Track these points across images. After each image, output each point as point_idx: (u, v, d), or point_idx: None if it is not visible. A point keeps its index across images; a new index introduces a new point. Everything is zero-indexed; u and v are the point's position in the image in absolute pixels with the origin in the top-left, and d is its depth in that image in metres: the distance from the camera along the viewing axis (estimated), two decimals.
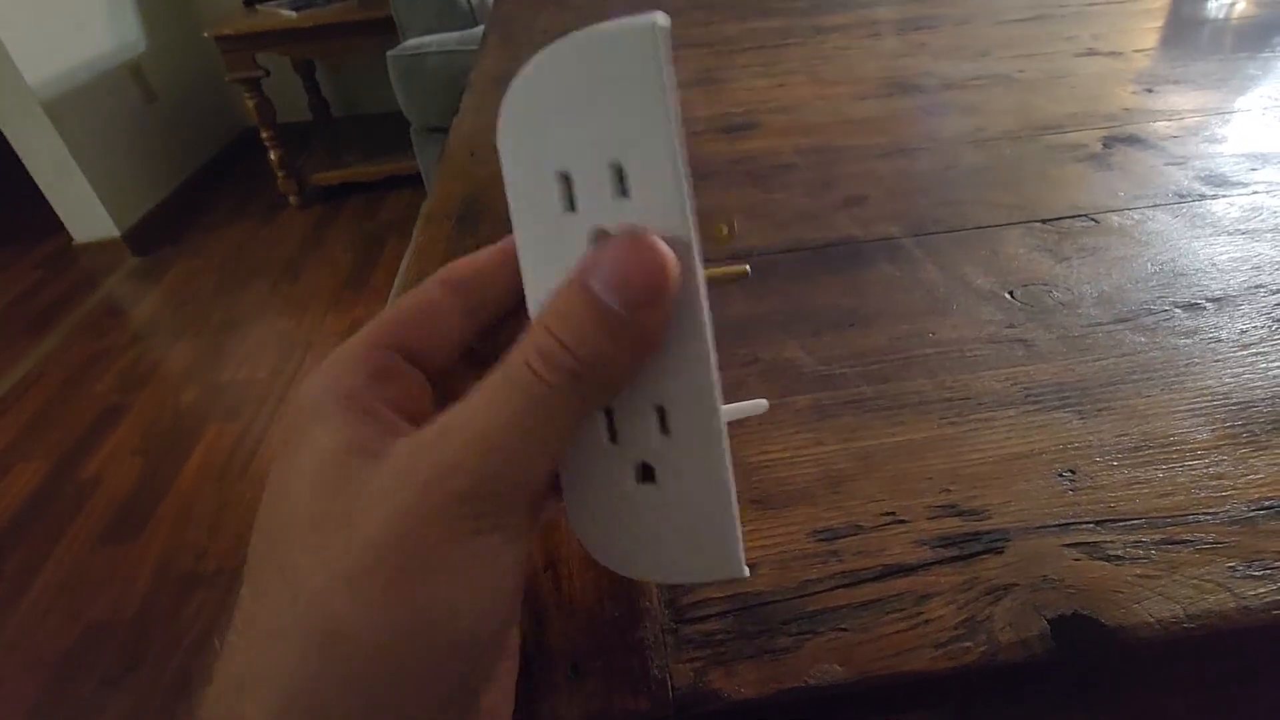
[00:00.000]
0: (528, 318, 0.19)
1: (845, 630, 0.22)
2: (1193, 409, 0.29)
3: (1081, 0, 0.85)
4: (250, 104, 2.37)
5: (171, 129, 2.67)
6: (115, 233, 2.34)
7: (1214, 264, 0.38)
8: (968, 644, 0.22)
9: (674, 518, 0.19)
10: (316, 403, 0.18)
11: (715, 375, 0.18)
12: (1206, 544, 0.24)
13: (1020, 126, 0.55)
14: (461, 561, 0.16)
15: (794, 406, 0.31)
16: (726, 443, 0.18)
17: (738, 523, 0.19)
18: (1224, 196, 0.43)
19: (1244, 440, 0.27)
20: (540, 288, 0.17)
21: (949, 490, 0.27)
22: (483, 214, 0.49)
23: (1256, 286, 0.36)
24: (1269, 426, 0.28)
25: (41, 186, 2.24)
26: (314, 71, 2.86)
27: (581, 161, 0.17)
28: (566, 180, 0.17)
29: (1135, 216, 0.42)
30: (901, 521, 0.26)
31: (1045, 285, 0.37)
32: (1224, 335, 0.33)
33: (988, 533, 0.25)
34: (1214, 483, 0.26)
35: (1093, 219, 0.43)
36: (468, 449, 0.16)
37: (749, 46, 0.79)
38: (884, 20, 0.86)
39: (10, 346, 1.97)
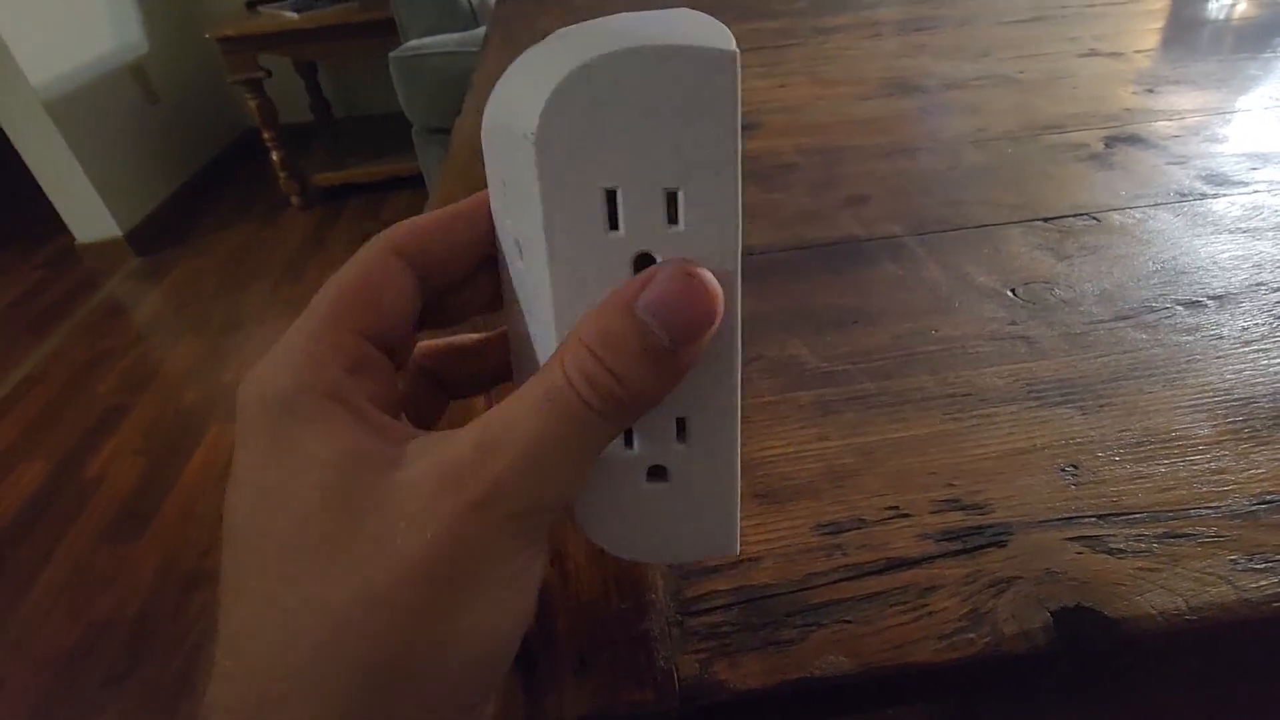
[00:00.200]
0: (509, 297, 0.19)
1: (849, 622, 0.23)
2: (1194, 405, 0.29)
3: (1082, 1, 0.85)
4: (252, 105, 2.38)
5: (173, 130, 2.68)
6: (118, 233, 2.35)
7: (1215, 262, 0.38)
8: (971, 636, 0.22)
9: (680, 509, 0.19)
10: (292, 401, 0.16)
11: (739, 393, 0.18)
12: (1208, 537, 0.24)
13: (1022, 126, 0.55)
14: (503, 579, 0.16)
15: (797, 402, 0.31)
16: (739, 445, 0.19)
17: (738, 508, 0.20)
18: (1225, 195, 0.44)
19: (1245, 435, 0.28)
20: (571, 302, 0.16)
21: (952, 485, 0.27)
22: None
23: (1258, 284, 0.36)
24: (1270, 422, 0.28)
25: (44, 187, 2.24)
26: (316, 72, 2.87)
27: (634, 182, 0.15)
28: (612, 197, 0.16)
29: (1137, 215, 0.43)
30: (905, 515, 0.26)
31: (1047, 283, 0.37)
32: (1225, 332, 0.33)
33: (991, 526, 0.25)
34: (1215, 477, 0.26)
35: (1094, 218, 0.43)
36: (515, 470, 0.16)
37: (750, 47, 0.79)
38: (885, 21, 0.86)
39: (13, 346, 1.97)
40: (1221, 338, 0.33)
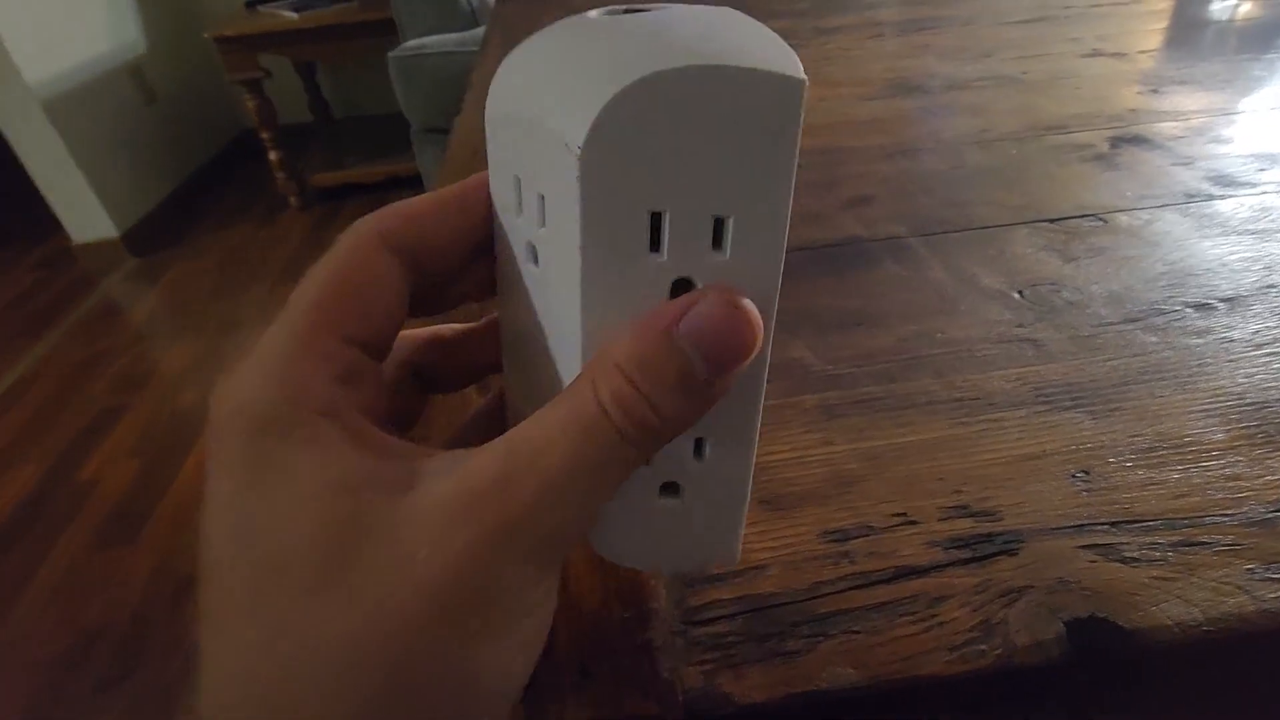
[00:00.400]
0: (512, 300, 0.18)
1: (857, 633, 0.22)
2: (1206, 409, 0.29)
3: (1085, 2, 0.85)
4: (251, 105, 2.37)
5: (171, 130, 2.67)
6: (114, 233, 2.34)
7: (1224, 264, 0.37)
8: (983, 647, 0.21)
9: (689, 523, 0.19)
10: (276, 419, 0.15)
11: (760, 418, 0.18)
12: (1224, 546, 0.23)
13: (1025, 127, 0.54)
14: (522, 610, 0.16)
15: (801, 406, 0.31)
16: (753, 466, 0.19)
17: (744, 521, 0.20)
18: (1232, 196, 0.43)
19: (1260, 441, 0.27)
20: (601, 320, 0.16)
21: (961, 491, 0.26)
22: None
23: (1268, 286, 0.35)
24: None
25: (40, 187, 2.23)
26: (315, 72, 2.86)
27: (682, 205, 0.15)
28: (657, 219, 0.15)
29: (1143, 216, 0.42)
30: (913, 523, 0.25)
31: (1054, 285, 0.37)
32: (1236, 335, 0.32)
33: (1001, 534, 0.25)
34: (1230, 484, 0.25)
35: (1100, 219, 0.42)
36: (541, 499, 0.15)
37: None
38: (887, 21, 0.85)
39: (8, 347, 1.96)
40: (1233, 341, 0.32)
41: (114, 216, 2.33)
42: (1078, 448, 0.28)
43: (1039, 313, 0.35)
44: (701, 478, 0.18)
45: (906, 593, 0.23)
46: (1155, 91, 0.59)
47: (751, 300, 0.15)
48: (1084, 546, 0.24)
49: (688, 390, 0.15)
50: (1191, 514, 0.24)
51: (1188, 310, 0.34)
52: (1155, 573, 0.23)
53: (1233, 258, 0.38)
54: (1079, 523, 0.25)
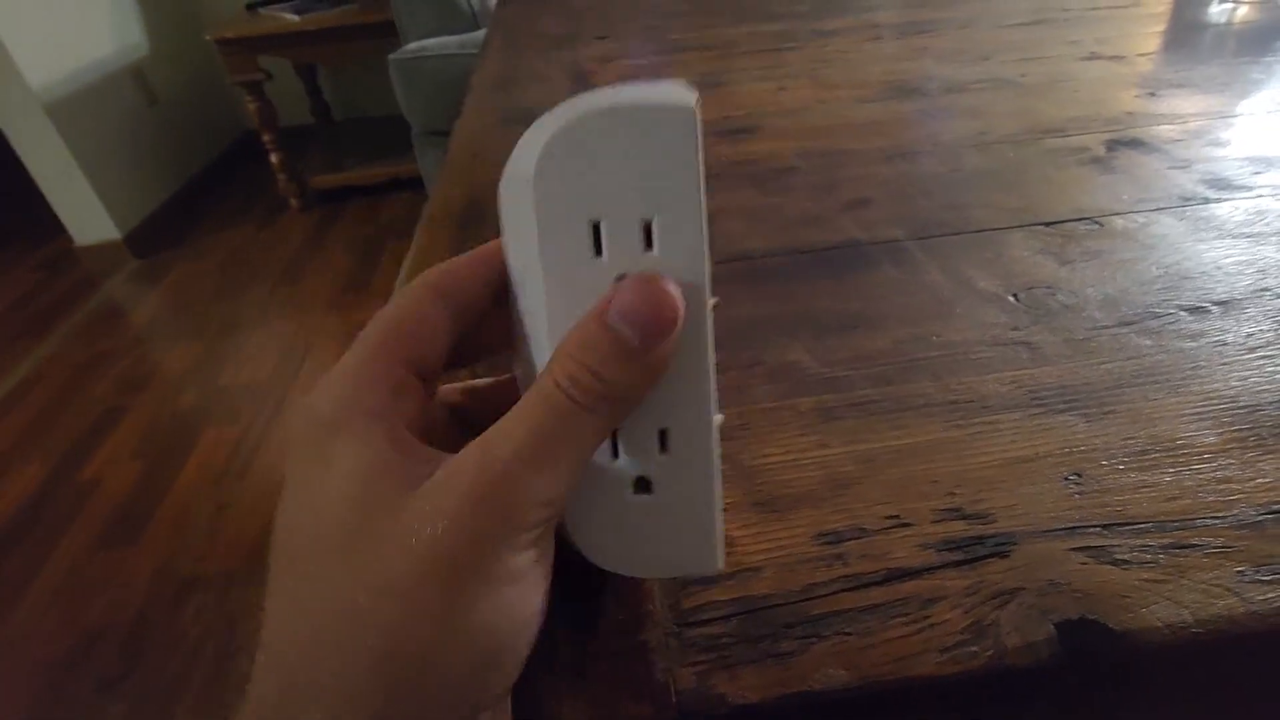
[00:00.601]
0: (517, 330, 0.21)
1: (850, 634, 0.22)
2: (1199, 412, 0.29)
3: (1084, 5, 0.85)
4: (252, 107, 2.38)
5: (173, 132, 2.68)
6: (116, 235, 2.35)
7: (1219, 267, 0.37)
8: (974, 649, 0.21)
9: (665, 522, 0.21)
10: (336, 418, 0.18)
11: (714, 404, 0.20)
12: (1215, 548, 0.24)
13: (1023, 130, 0.55)
14: (509, 576, 0.17)
15: (798, 409, 0.31)
16: (719, 457, 0.20)
17: (721, 525, 0.21)
18: (1228, 200, 0.43)
19: (1251, 444, 0.27)
20: (562, 320, 0.18)
21: (954, 493, 0.26)
22: (484, 217, 0.48)
23: (1262, 290, 0.35)
24: (1277, 430, 0.28)
25: (43, 189, 2.24)
26: (316, 75, 2.87)
27: (614, 215, 0.18)
28: (597, 228, 0.18)
29: (1139, 219, 0.42)
30: (906, 525, 0.25)
31: (1049, 288, 0.37)
32: (1230, 338, 0.32)
33: (993, 536, 0.25)
34: (1221, 486, 0.26)
35: (1096, 222, 0.42)
36: (512, 464, 0.17)
37: (750, 50, 0.79)
38: (885, 24, 0.86)
39: (10, 348, 1.97)
40: (1226, 344, 0.32)
41: (116, 218, 2.33)
42: (1071, 450, 0.28)
43: (1034, 316, 0.35)
44: (670, 471, 0.20)
45: (899, 594, 0.23)
46: (1153, 95, 0.59)
47: (684, 287, 0.18)
48: (1076, 549, 0.24)
49: (627, 358, 0.17)
50: (1182, 516, 0.25)
51: (1182, 313, 0.34)
52: (1146, 575, 0.23)
53: (1227, 261, 0.38)
54: (1071, 525, 0.25)
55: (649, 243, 0.18)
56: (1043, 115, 0.57)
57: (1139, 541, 0.24)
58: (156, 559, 1.30)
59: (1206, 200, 0.44)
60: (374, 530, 0.17)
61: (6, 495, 1.47)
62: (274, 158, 2.48)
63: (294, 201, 2.61)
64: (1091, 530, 0.25)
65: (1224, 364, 0.31)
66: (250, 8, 2.45)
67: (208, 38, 2.27)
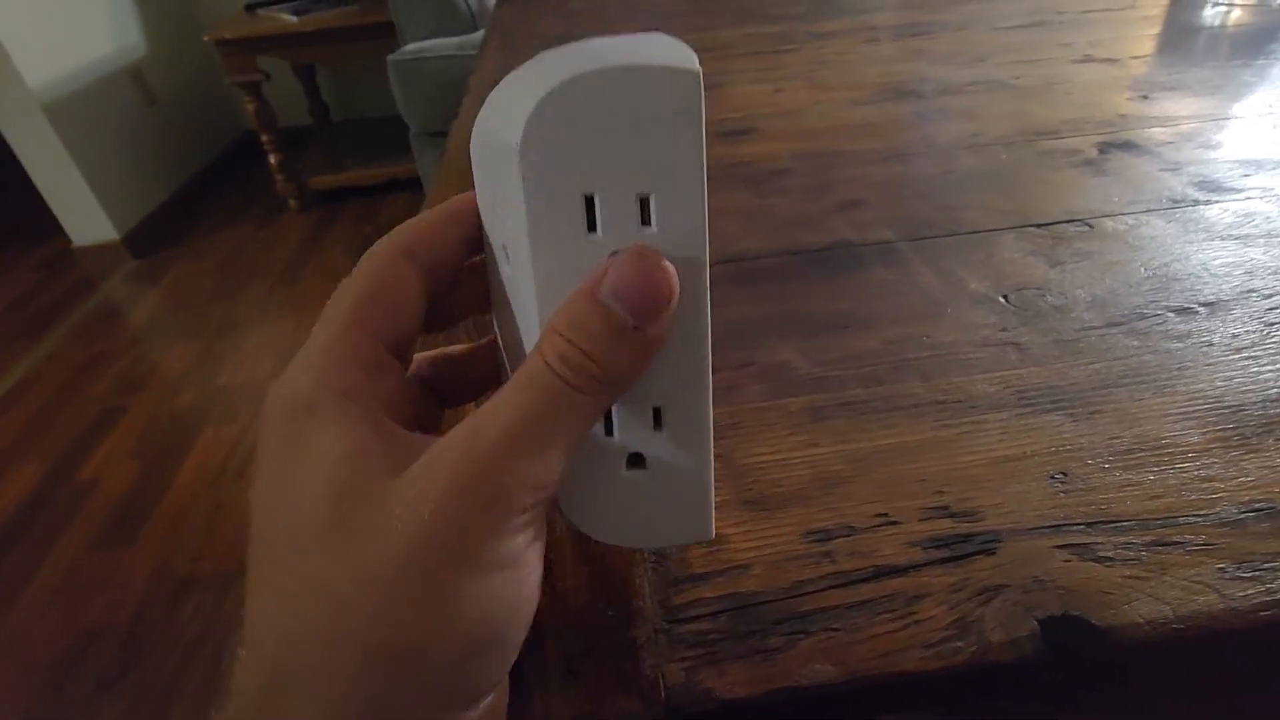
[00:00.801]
0: (497, 294, 0.20)
1: (837, 630, 0.22)
2: (1184, 412, 0.29)
3: (1078, 7, 0.85)
4: (250, 108, 2.38)
5: (171, 132, 2.68)
6: (114, 235, 2.35)
7: (1207, 269, 0.38)
8: (958, 644, 0.22)
9: (658, 495, 0.20)
10: (310, 401, 0.17)
11: (710, 382, 0.19)
12: (1197, 546, 0.24)
13: (1016, 132, 0.55)
14: (498, 561, 0.17)
15: (788, 409, 0.31)
16: (712, 434, 0.20)
17: (712, 494, 0.21)
18: (1218, 202, 0.44)
19: (1235, 443, 0.28)
20: (553, 300, 0.17)
21: (942, 492, 0.27)
22: None
23: (1249, 291, 0.36)
24: (1259, 429, 0.28)
25: (41, 189, 2.24)
26: (314, 75, 2.87)
27: (610, 188, 0.17)
28: (589, 201, 0.17)
29: (1129, 221, 0.43)
30: (894, 523, 0.26)
31: (1039, 289, 0.37)
32: (1216, 339, 0.33)
33: (979, 534, 0.25)
34: (1204, 485, 0.26)
35: (1087, 224, 0.43)
36: (500, 446, 0.16)
37: (747, 52, 0.79)
38: (882, 26, 0.86)
39: (8, 349, 1.97)
40: (1212, 345, 0.33)
41: (114, 219, 2.33)
42: (1057, 450, 0.28)
43: (1024, 317, 0.36)
44: (664, 448, 0.20)
45: (885, 591, 0.24)
46: (1145, 97, 0.59)
47: (682, 265, 0.17)
48: (1060, 546, 0.24)
49: (619, 336, 0.17)
50: (1166, 514, 0.25)
51: (1169, 314, 0.35)
52: (1128, 572, 0.23)
53: (1215, 263, 0.38)
54: (1056, 523, 0.25)
55: (645, 218, 0.17)
56: (1036, 117, 0.57)
57: (1122, 539, 0.24)
58: (154, 559, 1.30)
59: (1196, 202, 0.44)
60: (357, 518, 0.16)
61: (4, 495, 1.47)
62: (272, 158, 2.48)
63: (292, 202, 2.61)
64: (1076, 528, 0.25)
65: (1210, 364, 0.31)
66: (249, 8, 2.45)
67: (206, 38, 2.27)
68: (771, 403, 0.32)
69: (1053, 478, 0.27)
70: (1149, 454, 0.27)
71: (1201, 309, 0.35)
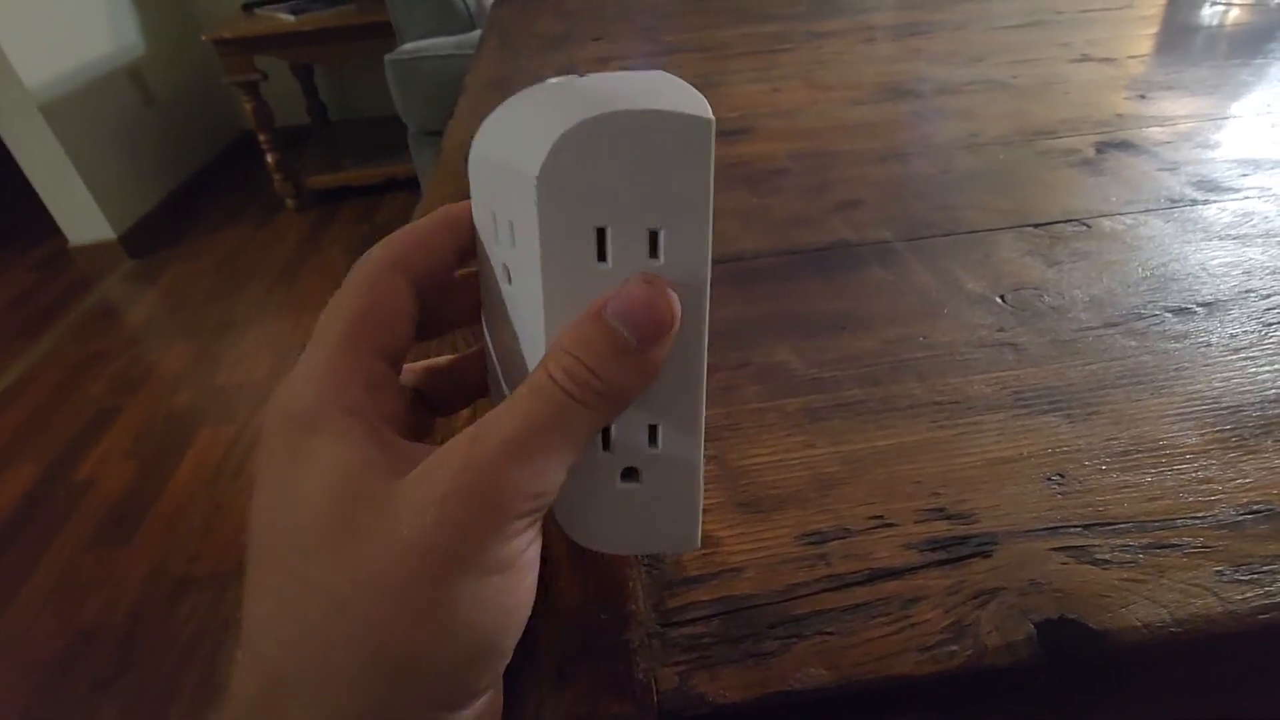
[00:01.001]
0: (492, 308, 0.21)
1: (831, 634, 0.22)
2: (1182, 413, 0.29)
3: (1076, 7, 0.85)
4: (248, 107, 2.38)
5: (169, 132, 2.67)
6: (111, 235, 2.34)
7: (1205, 269, 0.38)
8: (954, 648, 0.22)
9: (650, 506, 0.21)
10: (312, 415, 0.18)
11: (704, 399, 0.20)
12: (1194, 548, 0.24)
13: (1014, 132, 0.55)
14: (497, 566, 0.17)
15: (784, 409, 0.31)
16: (702, 449, 0.21)
17: (701, 505, 0.22)
18: (1215, 202, 0.44)
19: (1233, 444, 0.27)
20: (560, 321, 0.18)
21: (938, 494, 0.27)
22: None
23: (1247, 291, 0.36)
24: (1257, 430, 0.28)
25: (38, 189, 2.23)
26: (312, 75, 2.87)
27: (622, 223, 0.17)
28: (601, 234, 0.18)
29: (1127, 221, 0.42)
30: (890, 525, 0.26)
31: (1036, 289, 0.37)
32: (1214, 340, 0.33)
33: (976, 536, 0.25)
34: (1202, 486, 0.26)
35: (1085, 224, 0.43)
36: (502, 455, 0.17)
37: (744, 51, 0.79)
38: (880, 26, 0.86)
39: (5, 348, 1.96)
40: (1210, 345, 0.32)
41: (111, 218, 2.33)
42: (1054, 451, 0.28)
43: (1021, 317, 0.35)
44: (658, 463, 0.21)
45: (880, 594, 0.23)
46: (1143, 97, 0.59)
47: (685, 295, 0.18)
48: (1057, 549, 0.24)
49: (623, 356, 0.18)
50: (1163, 516, 0.25)
51: (1167, 315, 0.35)
52: (1125, 574, 0.23)
53: (1213, 263, 0.38)
54: (1053, 525, 0.25)
55: (653, 250, 0.18)
56: (1034, 117, 0.57)
57: (1119, 541, 0.24)
58: (151, 559, 1.30)
59: (1194, 202, 0.44)
60: (359, 522, 0.16)
61: (1, 494, 1.47)
62: (270, 158, 2.48)
63: (290, 201, 2.60)
64: (1073, 530, 0.25)
65: (1207, 365, 0.31)
66: (246, 8, 2.45)
67: (204, 38, 2.27)
68: (768, 404, 0.32)
69: (1049, 479, 0.27)
70: (1146, 455, 0.27)
71: (1199, 309, 0.35)
